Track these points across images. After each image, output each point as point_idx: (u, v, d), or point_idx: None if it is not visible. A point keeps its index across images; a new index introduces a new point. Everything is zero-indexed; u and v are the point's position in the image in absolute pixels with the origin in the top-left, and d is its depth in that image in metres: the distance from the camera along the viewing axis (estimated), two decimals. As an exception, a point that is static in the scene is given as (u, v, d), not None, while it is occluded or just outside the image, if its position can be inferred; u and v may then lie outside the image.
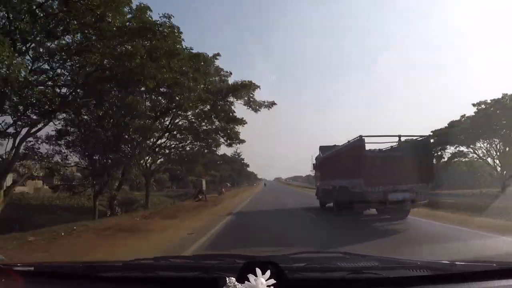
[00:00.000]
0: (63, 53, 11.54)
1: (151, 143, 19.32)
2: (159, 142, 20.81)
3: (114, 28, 10.29)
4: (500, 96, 28.95)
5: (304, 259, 1.74)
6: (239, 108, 22.02)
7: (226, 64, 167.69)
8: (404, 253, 6.48)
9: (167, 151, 22.54)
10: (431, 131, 32.56)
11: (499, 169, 31.96)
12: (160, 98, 17.77)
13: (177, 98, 15.22)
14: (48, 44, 11.46)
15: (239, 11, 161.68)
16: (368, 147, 10.47)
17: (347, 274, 1.52)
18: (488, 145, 32.16)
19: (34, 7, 9.76)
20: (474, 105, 30.31)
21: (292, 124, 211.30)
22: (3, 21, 9.81)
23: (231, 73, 20.86)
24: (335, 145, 14.85)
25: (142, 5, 11.66)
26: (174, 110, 17.67)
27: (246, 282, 1.25)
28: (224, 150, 57.34)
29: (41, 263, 1.90)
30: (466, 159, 35.91)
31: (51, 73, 12.24)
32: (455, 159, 35.35)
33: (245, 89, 19.78)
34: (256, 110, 21.64)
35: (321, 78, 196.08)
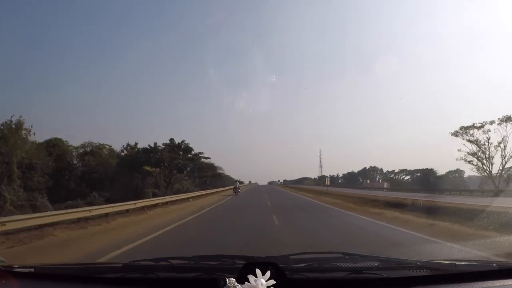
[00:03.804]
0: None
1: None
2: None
3: None
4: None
5: (304, 260, 1.74)
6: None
7: (226, 64, 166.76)
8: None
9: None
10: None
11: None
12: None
13: None
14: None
15: (237, 11, 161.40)
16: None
17: (347, 275, 1.52)
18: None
19: None
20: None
21: (293, 125, 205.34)
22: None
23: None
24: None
25: None
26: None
27: (246, 283, 1.26)
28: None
29: (41, 264, 1.90)
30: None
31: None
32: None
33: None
34: None
35: (321, 79, 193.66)
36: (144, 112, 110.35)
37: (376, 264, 1.67)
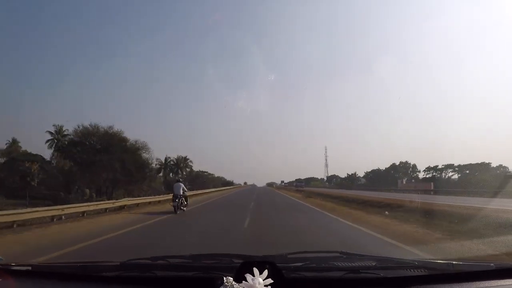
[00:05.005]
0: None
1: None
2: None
3: None
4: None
5: (301, 259, 1.74)
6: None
7: (225, 63, 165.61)
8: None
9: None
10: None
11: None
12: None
13: None
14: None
15: (238, 10, 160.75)
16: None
17: (344, 274, 1.52)
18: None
19: None
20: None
21: (297, 125, 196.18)
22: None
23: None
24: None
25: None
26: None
27: (243, 281, 1.25)
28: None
29: (39, 263, 1.90)
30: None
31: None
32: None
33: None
34: None
35: (322, 79, 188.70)
36: (142, 111, 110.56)
37: (374, 264, 1.67)
